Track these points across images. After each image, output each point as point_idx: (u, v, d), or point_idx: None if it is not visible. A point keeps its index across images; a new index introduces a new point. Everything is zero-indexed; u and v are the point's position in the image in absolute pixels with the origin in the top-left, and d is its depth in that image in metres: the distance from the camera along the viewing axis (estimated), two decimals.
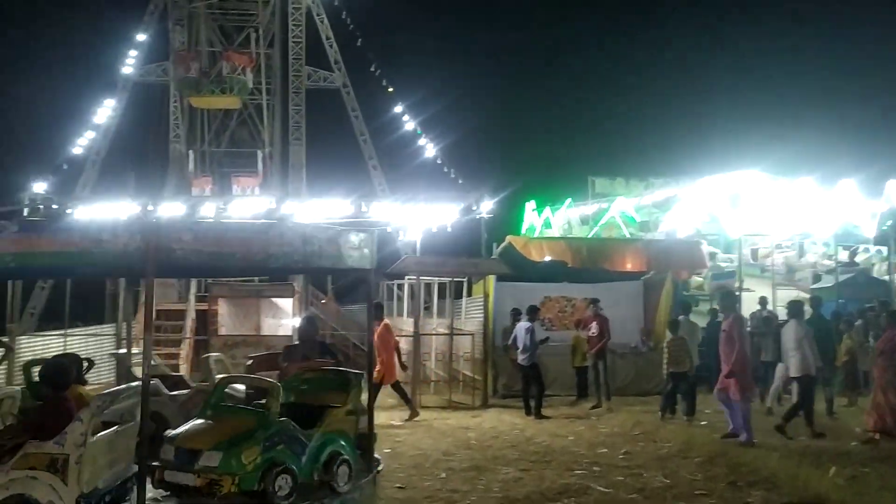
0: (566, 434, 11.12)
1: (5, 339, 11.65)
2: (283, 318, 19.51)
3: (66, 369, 5.53)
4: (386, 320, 13.06)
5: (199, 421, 6.16)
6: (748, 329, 13.95)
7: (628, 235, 20.70)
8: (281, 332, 18.91)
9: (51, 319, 20.93)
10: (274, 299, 19.63)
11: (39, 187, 23.92)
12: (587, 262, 16.91)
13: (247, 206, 22.15)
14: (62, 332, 16.30)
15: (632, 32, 59.42)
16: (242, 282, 21.64)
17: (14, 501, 4.64)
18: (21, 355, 13.71)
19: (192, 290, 21.46)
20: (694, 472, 8.62)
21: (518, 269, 15.60)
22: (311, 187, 27.95)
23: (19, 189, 23.40)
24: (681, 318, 12.70)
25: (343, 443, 6.16)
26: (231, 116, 30.15)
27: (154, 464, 5.71)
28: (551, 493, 7.80)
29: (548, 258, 16.99)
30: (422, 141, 28.22)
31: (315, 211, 20.44)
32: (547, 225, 22.50)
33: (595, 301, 13.85)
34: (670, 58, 58.17)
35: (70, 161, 27.09)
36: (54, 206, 20.73)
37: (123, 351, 8.74)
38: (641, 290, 16.17)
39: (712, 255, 18.64)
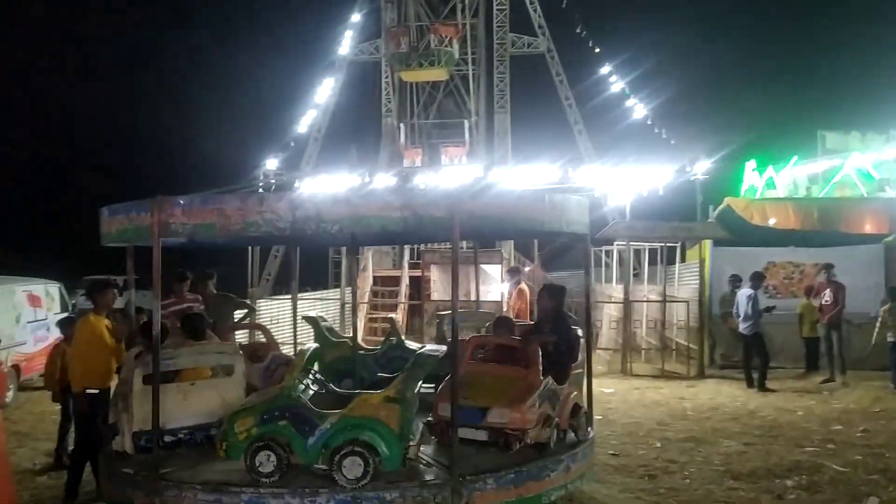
0: (794, 408, 10.37)
1: (248, 301, 12.89)
2: (492, 284, 19.86)
3: (161, 328, 6.47)
4: (522, 285, 12.68)
5: None
6: None
7: (865, 195, 18.65)
8: (490, 298, 19.29)
9: (283, 284, 22.87)
10: (482, 265, 20.02)
11: (272, 164, 26.27)
12: (817, 225, 15.55)
13: (455, 175, 22.80)
14: (292, 296, 17.68)
15: None
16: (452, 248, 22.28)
17: (111, 428, 5.95)
18: (260, 317, 15.18)
19: (406, 257, 22.44)
20: None
21: (737, 232, 14.64)
22: (517, 154, 28.06)
23: (255, 167, 25.91)
24: None
25: (370, 432, 5.23)
26: (438, 88, 30.95)
27: None
28: (780, 469, 7.30)
29: (771, 221, 15.79)
30: (630, 101, 27.31)
31: (521, 178, 20.55)
32: (770, 185, 20.79)
33: (829, 267, 12.67)
34: None
35: (296, 139, 29.38)
36: (284, 180, 22.62)
37: (446, 312, 9.18)
38: (882, 255, 14.53)
39: None
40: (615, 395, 11.59)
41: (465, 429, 5.65)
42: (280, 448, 5.28)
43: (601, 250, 20.60)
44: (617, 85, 27.92)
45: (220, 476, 5.38)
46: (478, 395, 5.83)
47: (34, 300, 13.05)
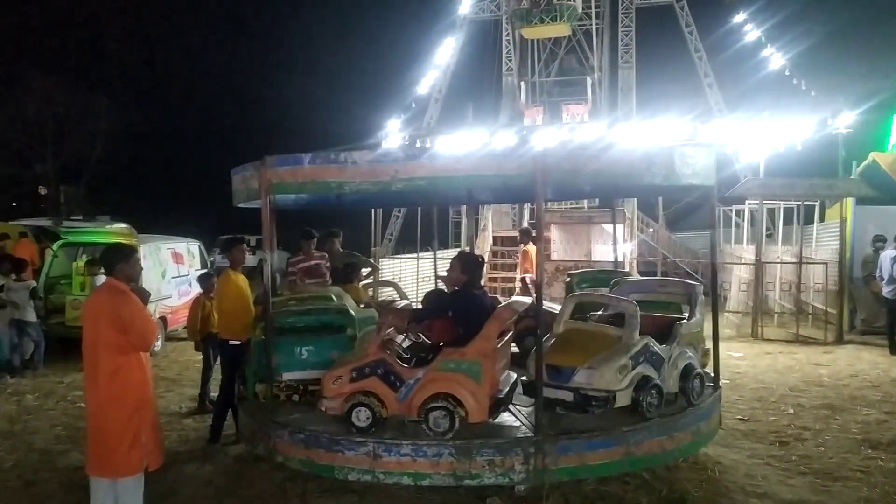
0: None
1: (371, 260, 13.28)
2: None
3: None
4: (527, 247, 12.72)
5: None
6: None
7: None
8: (610, 258, 18.93)
9: (404, 244, 23.35)
10: (604, 225, 19.63)
11: (394, 126, 26.64)
12: None
13: (577, 133, 22.33)
14: (414, 255, 18.06)
15: None
16: (573, 207, 21.98)
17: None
18: (383, 274, 15.60)
19: (525, 216, 22.33)
20: None
21: (883, 190, 13.61)
22: (642, 111, 27.14)
23: (378, 128, 26.36)
24: None
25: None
26: (560, 45, 30.27)
27: None
28: None
29: None
30: (766, 51, 25.60)
31: (646, 134, 19.88)
32: None
33: None
34: None
35: (417, 99, 29.59)
36: (406, 142, 22.91)
37: (578, 270, 9.34)
38: None
39: None
40: (744, 359, 11.17)
41: None
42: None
43: (731, 209, 19.74)
44: (752, 34, 26.21)
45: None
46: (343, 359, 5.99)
47: (177, 257, 13.93)
